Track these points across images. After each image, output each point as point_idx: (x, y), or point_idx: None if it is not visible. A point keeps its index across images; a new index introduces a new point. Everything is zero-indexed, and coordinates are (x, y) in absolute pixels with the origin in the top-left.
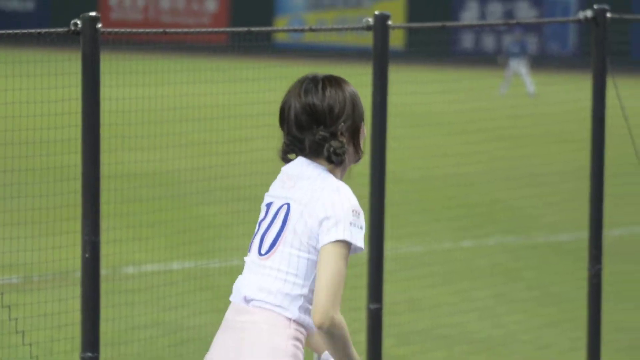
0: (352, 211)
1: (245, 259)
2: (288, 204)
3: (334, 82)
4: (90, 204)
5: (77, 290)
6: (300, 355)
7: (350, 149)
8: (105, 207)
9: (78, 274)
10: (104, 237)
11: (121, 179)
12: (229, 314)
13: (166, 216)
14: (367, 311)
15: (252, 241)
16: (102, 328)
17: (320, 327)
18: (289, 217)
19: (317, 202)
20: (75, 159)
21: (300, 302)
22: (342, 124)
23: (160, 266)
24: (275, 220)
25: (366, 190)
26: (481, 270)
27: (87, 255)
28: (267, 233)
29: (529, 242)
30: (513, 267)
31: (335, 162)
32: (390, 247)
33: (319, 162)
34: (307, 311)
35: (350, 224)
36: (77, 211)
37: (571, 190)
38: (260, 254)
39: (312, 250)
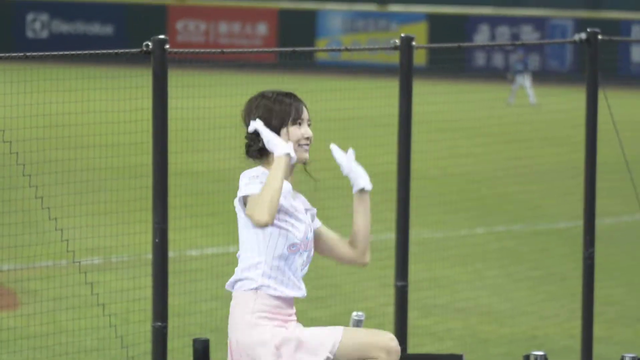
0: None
1: None
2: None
3: (262, 93)
4: (160, 196)
5: (149, 270)
6: (266, 321)
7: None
8: (172, 200)
9: (149, 256)
10: (171, 225)
11: (185, 176)
12: None
13: (223, 207)
14: (395, 288)
15: None
16: (170, 301)
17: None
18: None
19: None
20: (146, 159)
21: (262, 267)
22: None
23: (219, 249)
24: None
25: (394, 185)
26: (492, 253)
27: (157, 240)
28: None
29: (532, 229)
30: (519, 251)
31: (250, 156)
32: (414, 234)
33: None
34: (271, 272)
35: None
36: (148, 203)
37: (568, 185)
38: None
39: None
